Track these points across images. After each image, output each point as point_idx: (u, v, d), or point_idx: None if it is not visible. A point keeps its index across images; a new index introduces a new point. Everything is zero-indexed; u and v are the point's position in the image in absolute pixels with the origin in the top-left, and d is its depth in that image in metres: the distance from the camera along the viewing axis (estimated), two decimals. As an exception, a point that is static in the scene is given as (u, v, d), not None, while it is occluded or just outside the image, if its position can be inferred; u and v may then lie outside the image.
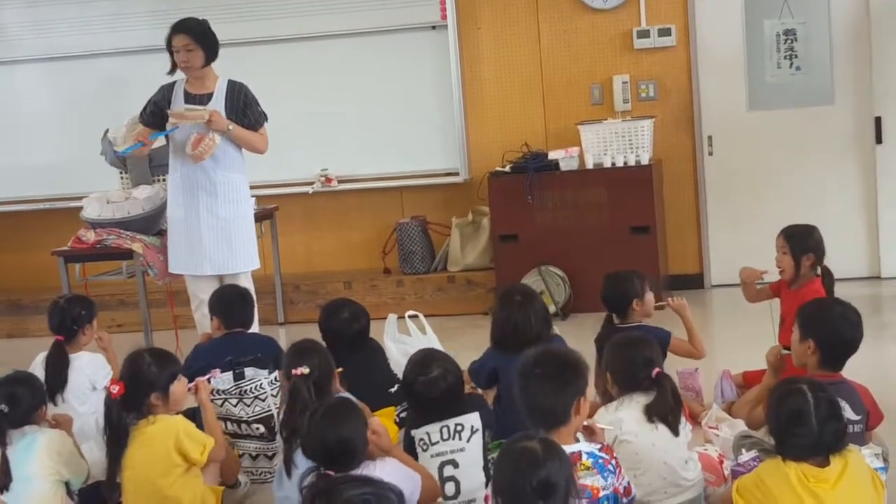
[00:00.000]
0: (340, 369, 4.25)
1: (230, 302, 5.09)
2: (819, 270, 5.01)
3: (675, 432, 3.77)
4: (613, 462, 3.26)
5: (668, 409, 3.77)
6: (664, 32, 7.79)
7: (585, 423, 3.40)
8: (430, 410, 3.82)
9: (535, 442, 2.84)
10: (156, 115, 6.06)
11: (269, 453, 4.48)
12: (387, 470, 3.38)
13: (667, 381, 3.83)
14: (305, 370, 3.89)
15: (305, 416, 3.52)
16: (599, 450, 3.24)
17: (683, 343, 4.93)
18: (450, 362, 3.90)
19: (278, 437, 4.01)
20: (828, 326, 3.86)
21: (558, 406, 3.23)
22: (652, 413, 3.77)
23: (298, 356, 3.99)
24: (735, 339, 6.34)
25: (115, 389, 3.88)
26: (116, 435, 3.89)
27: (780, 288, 5.15)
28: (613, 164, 7.41)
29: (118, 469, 3.89)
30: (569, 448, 3.04)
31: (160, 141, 6.34)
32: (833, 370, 3.84)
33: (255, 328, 6.01)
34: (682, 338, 4.96)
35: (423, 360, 3.90)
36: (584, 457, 3.17)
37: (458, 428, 3.79)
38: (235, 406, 4.49)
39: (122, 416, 3.89)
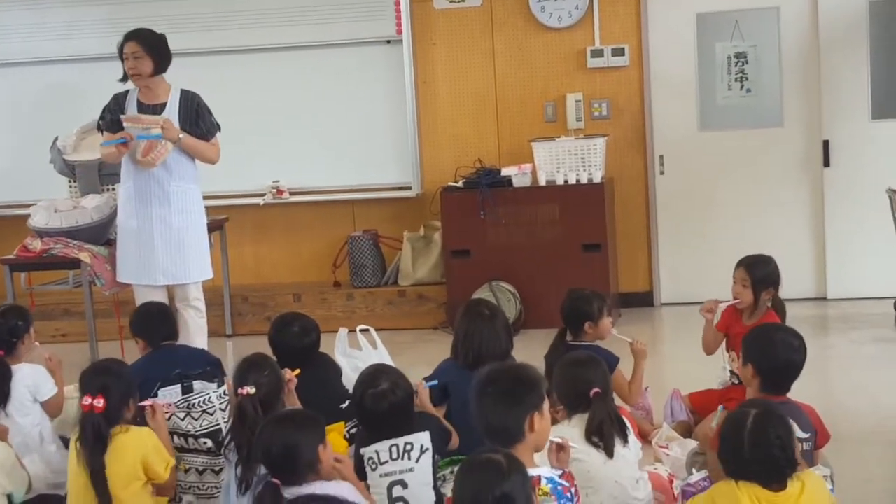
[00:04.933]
0: (298, 371, 4.25)
1: (151, 319, 4.99)
2: (771, 302, 4.99)
3: (609, 454, 3.76)
4: (573, 490, 3.23)
5: (598, 429, 3.77)
6: (618, 52, 7.85)
7: (557, 439, 3.39)
8: (380, 427, 3.79)
9: (500, 455, 2.83)
10: (115, 122, 6.00)
11: (217, 468, 4.41)
12: (343, 491, 3.37)
13: (600, 402, 3.82)
14: (251, 390, 3.86)
15: (254, 433, 3.56)
16: (560, 476, 3.23)
17: (623, 381, 4.88)
18: (400, 378, 3.86)
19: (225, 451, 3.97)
20: (766, 351, 3.87)
21: (510, 423, 3.20)
22: (588, 433, 3.77)
23: (246, 372, 3.95)
24: (684, 358, 6.37)
25: (100, 404, 3.80)
26: (102, 450, 3.80)
27: (728, 325, 5.08)
28: (566, 181, 7.45)
29: (104, 480, 3.80)
30: (529, 471, 3.02)
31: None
32: (775, 394, 3.83)
33: (203, 340, 6.00)
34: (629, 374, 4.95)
35: (373, 375, 3.86)
36: (544, 482, 3.15)
37: (408, 447, 3.74)
38: (183, 420, 4.43)
39: (107, 429, 3.82)
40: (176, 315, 5.55)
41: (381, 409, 3.76)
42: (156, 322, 4.96)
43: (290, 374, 4.25)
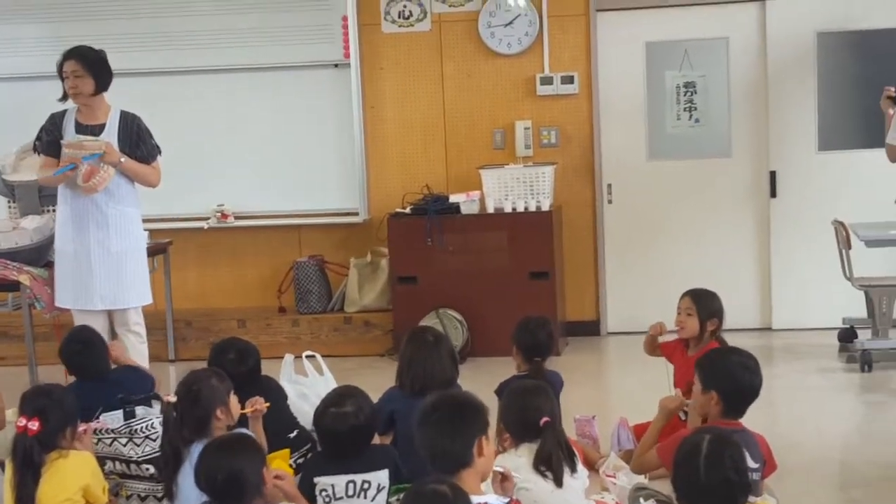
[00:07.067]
0: (268, 404, 4.22)
1: (73, 352, 4.84)
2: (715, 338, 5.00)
3: (559, 483, 3.74)
4: (519, 518, 3.21)
5: (547, 459, 3.74)
6: (567, 80, 7.86)
7: (500, 468, 3.35)
8: (339, 451, 3.73)
9: (446, 486, 2.79)
10: (52, 143, 5.89)
11: (159, 494, 4.32)
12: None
13: (550, 430, 3.80)
14: (172, 398, 3.90)
15: (177, 442, 3.78)
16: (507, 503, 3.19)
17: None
18: (366, 403, 3.86)
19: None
20: (728, 376, 3.90)
21: (457, 446, 3.17)
22: (537, 462, 3.74)
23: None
24: (630, 387, 6.36)
25: (35, 426, 3.73)
26: (32, 475, 3.73)
27: (672, 352, 5.12)
28: (514, 208, 7.43)
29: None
30: (475, 498, 2.98)
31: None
32: (736, 418, 3.88)
33: (144, 366, 5.88)
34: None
35: (340, 395, 3.87)
36: (491, 509, 3.12)
37: (365, 486, 3.71)
38: (125, 445, 4.35)
39: (39, 454, 3.74)
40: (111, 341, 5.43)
41: (340, 430, 3.74)
42: (81, 356, 4.82)
43: (261, 405, 4.19)
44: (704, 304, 4.95)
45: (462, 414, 3.22)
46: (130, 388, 4.65)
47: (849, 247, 6.78)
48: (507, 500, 3.23)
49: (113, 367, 5.03)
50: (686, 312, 4.96)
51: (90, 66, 5.80)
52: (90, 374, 4.75)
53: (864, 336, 6.91)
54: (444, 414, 3.21)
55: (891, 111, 6.09)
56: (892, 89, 6.19)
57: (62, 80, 5.83)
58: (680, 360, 5.02)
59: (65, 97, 5.88)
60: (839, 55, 7.76)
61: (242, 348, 4.74)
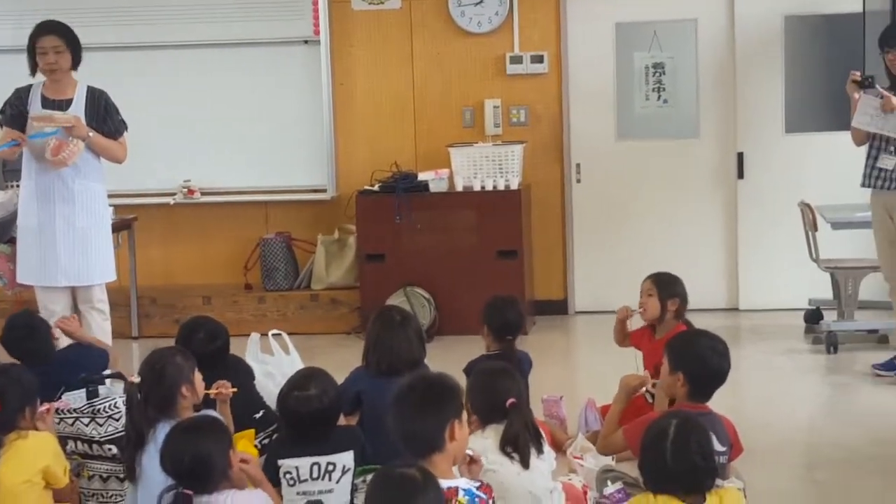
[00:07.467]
0: (236, 389, 4.18)
1: (22, 340, 4.72)
2: (681, 321, 5.03)
3: (525, 465, 3.73)
4: (490, 502, 3.18)
5: (514, 440, 3.73)
6: (536, 59, 7.84)
7: (469, 452, 3.34)
8: (302, 434, 3.71)
9: (415, 470, 2.77)
10: (16, 118, 5.81)
11: (121, 475, 4.28)
12: (256, 500, 3.30)
13: (517, 411, 3.78)
14: (136, 379, 3.87)
15: (140, 422, 3.73)
16: (478, 488, 3.17)
17: None
18: (331, 386, 3.83)
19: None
20: (696, 358, 3.91)
21: (429, 429, 3.13)
22: (503, 444, 3.73)
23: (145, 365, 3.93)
24: (598, 367, 6.36)
25: None
26: None
27: (641, 340, 5.14)
28: (483, 187, 7.42)
29: None
30: (446, 482, 2.96)
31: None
32: (701, 401, 3.89)
33: (107, 343, 5.84)
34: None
35: (305, 377, 3.84)
36: (461, 493, 3.08)
37: (330, 468, 3.69)
38: (87, 425, 4.30)
39: None
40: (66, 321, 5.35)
41: (304, 413, 3.71)
42: (29, 340, 4.71)
43: (227, 389, 4.16)
44: (664, 284, 5.01)
45: (436, 397, 3.18)
46: (82, 366, 4.60)
47: (815, 228, 6.82)
48: (478, 483, 3.21)
49: (67, 344, 4.98)
50: (647, 293, 5.01)
51: (69, 42, 5.76)
52: (38, 360, 4.66)
53: (829, 317, 6.96)
54: (418, 395, 3.18)
55: (856, 95, 6.12)
56: (858, 73, 6.21)
57: (32, 55, 5.75)
58: (647, 346, 5.03)
59: (34, 72, 5.81)
60: (806, 38, 7.80)
61: (211, 328, 4.71)
